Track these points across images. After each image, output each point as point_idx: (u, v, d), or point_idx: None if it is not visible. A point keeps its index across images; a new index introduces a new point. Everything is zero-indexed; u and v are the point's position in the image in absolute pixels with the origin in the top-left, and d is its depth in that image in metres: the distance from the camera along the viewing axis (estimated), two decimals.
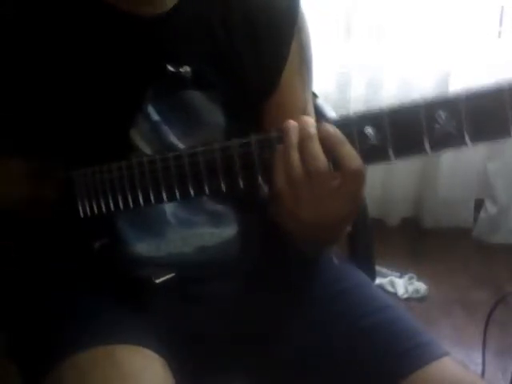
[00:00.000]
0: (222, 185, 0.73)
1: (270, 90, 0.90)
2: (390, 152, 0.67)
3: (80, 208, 0.83)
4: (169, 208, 0.91)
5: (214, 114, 0.89)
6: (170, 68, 0.83)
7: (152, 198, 0.78)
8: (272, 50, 0.88)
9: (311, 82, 0.96)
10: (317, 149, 0.68)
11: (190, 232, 0.93)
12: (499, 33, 2.23)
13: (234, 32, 0.87)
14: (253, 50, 0.88)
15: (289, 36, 0.89)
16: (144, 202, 0.78)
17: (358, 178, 0.69)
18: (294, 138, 0.69)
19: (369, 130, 0.67)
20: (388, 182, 2.36)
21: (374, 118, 0.67)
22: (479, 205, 2.42)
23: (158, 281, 0.86)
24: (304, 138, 0.69)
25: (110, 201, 0.80)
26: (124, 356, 0.80)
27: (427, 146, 0.65)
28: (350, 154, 0.68)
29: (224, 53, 0.87)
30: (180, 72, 0.84)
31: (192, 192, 0.75)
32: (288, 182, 0.70)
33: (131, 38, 0.84)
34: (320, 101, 1.11)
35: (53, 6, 0.84)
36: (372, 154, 0.68)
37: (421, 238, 2.40)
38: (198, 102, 0.88)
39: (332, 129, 0.68)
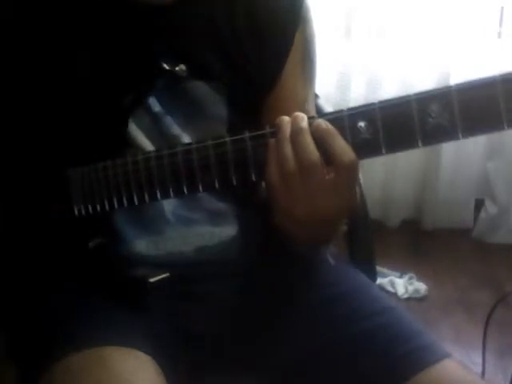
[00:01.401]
0: (216, 182, 0.74)
1: (271, 83, 0.90)
2: (383, 145, 0.67)
3: (75, 207, 0.83)
4: (168, 206, 0.91)
5: (216, 105, 0.89)
6: (165, 66, 0.83)
7: (146, 195, 0.78)
8: (274, 44, 0.89)
9: (314, 77, 0.96)
10: (309, 142, 0.69)
11: (190, 231, 0.93)
12: (499, 33, 2.23)
13: (237, 26, 0.87)
14: (255, 45, 0.88)
15: (291, 31, 0.89)
16: (138, 199, 0.78)
17: (351, 171, 0.69)
18: (286, 131, 0.70)
19: (361, 124, 0.68)
20: (388, 184, 2.36)
21: (366, 112, 0.67)
22: (479, 205, 2.42)
23: (152, 280, 0.86)
24: (296, 132, 0.70)
25: (105, 199, 0.80)
26: (116, 358, 0.80)
27: (419, 138, 0.66)
28: (343, 148, 0.68)
29: (226, 46, 0.87)
30: (175, 70, 0.84)
31: (185, 189, 0.75)
32: (281, 176, 0.70)
33: (132, 27, 0.84)
34: (321, 101, 1.10)
35: None
36: (364, 147, 0.68)
37: (421, 238, 2.40)
38: (200, 93, 0.88)
39: (324, 123, 0.69)
